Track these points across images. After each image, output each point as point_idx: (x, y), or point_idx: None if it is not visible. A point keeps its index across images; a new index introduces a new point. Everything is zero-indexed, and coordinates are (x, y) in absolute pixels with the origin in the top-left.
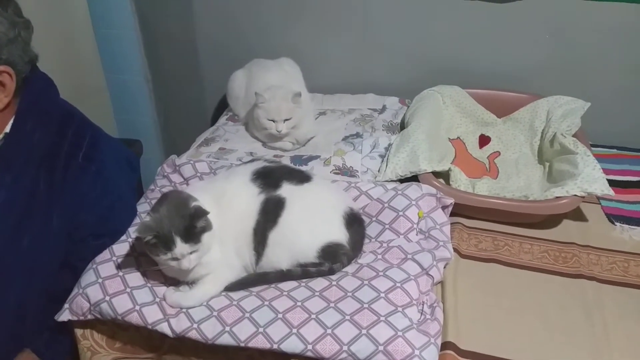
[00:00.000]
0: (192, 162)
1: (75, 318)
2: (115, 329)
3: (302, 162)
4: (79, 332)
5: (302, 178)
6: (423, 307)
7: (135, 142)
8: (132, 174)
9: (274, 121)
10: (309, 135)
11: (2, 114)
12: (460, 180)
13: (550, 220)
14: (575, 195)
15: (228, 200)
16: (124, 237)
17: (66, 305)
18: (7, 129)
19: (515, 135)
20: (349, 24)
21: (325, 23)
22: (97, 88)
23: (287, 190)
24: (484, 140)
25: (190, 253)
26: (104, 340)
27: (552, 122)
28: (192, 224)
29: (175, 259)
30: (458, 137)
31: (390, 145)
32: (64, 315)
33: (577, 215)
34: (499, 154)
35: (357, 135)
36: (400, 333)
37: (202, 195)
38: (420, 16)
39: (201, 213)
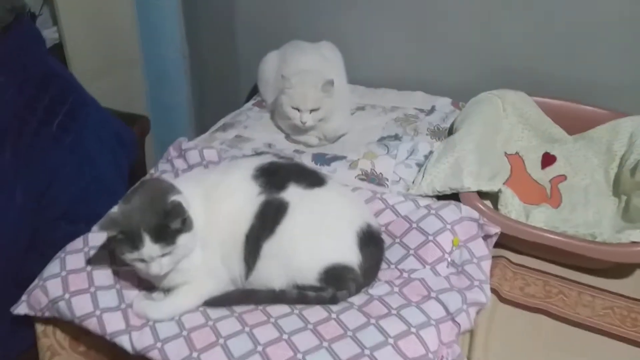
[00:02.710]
0: (199, 148)
1: (32, 313)
2: (79, 330)
3: (325, 162)
4: (39, 327)
5: (315, 181)
6: None
7: (140, 118)
8: (121, 152)
9: (298, 110)
10: (339, 132)
11: None
12: (512, 205)
13: (621, 268)
14: None
15: (220, 197)
16: None
17: (24, 297)
18: None
19: (588, 157)
20: (405, 10)
21: (378, 7)
22: (131, 60)
23: (293, 193)
24: (548, 160)
25: (162, 256)
26: (67, 341)
27: (637, 147)
28: (166, 223)
29: (143, 260)
30: (516, 153)
31: (431, 152)
32: (21, 308)
33: None
34: (565, 178)
35: (396, 137)
36: None
37: (190, 187)
38: (490, 7)
39: (178, 212)
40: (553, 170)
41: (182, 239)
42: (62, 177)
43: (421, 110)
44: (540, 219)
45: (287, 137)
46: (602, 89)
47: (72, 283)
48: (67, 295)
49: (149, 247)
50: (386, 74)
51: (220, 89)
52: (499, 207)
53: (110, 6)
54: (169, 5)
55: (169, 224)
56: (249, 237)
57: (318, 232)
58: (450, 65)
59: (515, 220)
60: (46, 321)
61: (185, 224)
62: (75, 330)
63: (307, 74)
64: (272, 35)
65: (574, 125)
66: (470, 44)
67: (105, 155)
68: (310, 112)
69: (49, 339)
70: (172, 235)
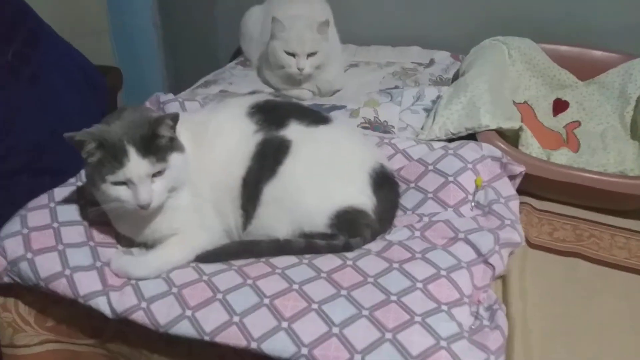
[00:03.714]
0: (180, 99)
1: None
2: (46, 301)
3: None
4: None
5: (318, 119)
6: (478, 309)
7: (112, 70)
8: (90, 92)
9: (294, 56)
10: (334, 86)
11: None
12: (532, 146)
13: None
14: None
15: (211, 137)
16: (72, 180)
17: None
18: None
19: (601, 102)
20: None
21: None
22: (98, 30)
23: (295, 131)
24: (560, 106)
25: (153, 177)
26: (32, 315)
27: None
28: (154, 132)
29: (131, 183)
30: (525, 102)
31: (439, 97)
32: None
33: None
34: (579, 124)
35: (396, 88)
36: (444, 343)
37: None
38: None
39: (167, 118)
40: (566, 117)
41: (174, 159)
42: (21, 118)
43: (419, 64)
44: (562, 162)
45: (277, 92)
46: (610, 33)
47: (35, 241)
48: (29, 255)
49: (136, 163)
50: (378, 31)
51: (197, 57)
52: (520, 147)
53: None
54: None
55: (158, 131)
56: (246, 180)
57: (326, 172)
58: (447, 18)
59: (541, 159)
60: (6, 291)
61: (175, 142)
62: (42, 301)
63: (300, 16)
64: None
65: (584, 70)
66: None
67: (72, 92)
68: (307, 58)
69: (9, 313)
70: (161, 151)
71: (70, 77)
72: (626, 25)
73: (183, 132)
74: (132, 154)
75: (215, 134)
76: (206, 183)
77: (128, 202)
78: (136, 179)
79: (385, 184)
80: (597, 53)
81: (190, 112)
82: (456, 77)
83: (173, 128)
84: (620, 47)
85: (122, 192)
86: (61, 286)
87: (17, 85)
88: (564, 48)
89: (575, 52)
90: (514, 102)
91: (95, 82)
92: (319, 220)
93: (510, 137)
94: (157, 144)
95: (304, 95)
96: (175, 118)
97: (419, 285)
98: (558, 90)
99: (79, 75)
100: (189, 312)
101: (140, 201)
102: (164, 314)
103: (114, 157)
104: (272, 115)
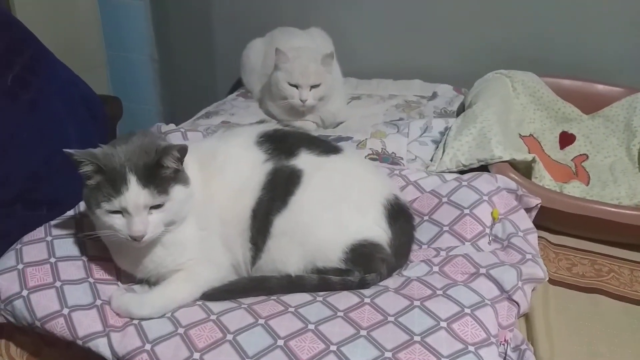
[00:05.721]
0: (182, 130)
1: None
2: (41, 342)
3: None
4: None
5: (329, 149)
6: (506, 350)
7: (112, 100)
8: (91, 122)
9: (297, 87)
10: (338, 118)
11: None
12: (545, 178)
13: None
14: None
15: (220, 166)
16: (70, 212)
17: None
18: None
19: (607, 135)
20: None
21: None
22: (95, 64)
23: (305, 160)
24: (566, 139)
25: (151, 209)
26: (25, 358)
27: None
28: (159, 162)
29: (126, 212)
30: (531, 135)
31: (447, 128)
32: None
33: None
34: (587, 157)
35: (401, 120)
36: None
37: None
38: None
39: (174, 149)
40: (573, 150)
41: (176, 192)
42: (17, 144)
43: (422, 97)
44: (576, 194)
45: (280, 123)
46: (611, 69)
47: (31, 277)
48: (25, 292)
49: (135, 192)
50: (380, 65)
51: (194, 90)
52: (533, 179)
53: (71, 8)
54: (136, 5)
55: (162, 162)
56: (256, 211)
57: (339, 203)
58: (449, 51)
59: (556, 191)
60: None
61: (179, 174)
62: (35, 343)
63: (304, 48)
64: (252, 33)
65: (587, 104)
66: (471, 30)
67: (73, 121)
68: (310, 89)
69: (0, 357)
70: (164, 182)
71: (71, 105)
72: (628, 60)
73: (191, 160)
74: (132, 182)
75: (223, 162)
76: (213, 214)
77: (121, 232)
78: (132, 209)
79: (400, 216)
80: (600, 87)
81: (197, 141)
82: (462, 109)
83: (179, 161)
84: (623, 81)
85: (117, 220)
86: (58, 326)
87: (15, 110)
88: (566, 82)
89: (577, 85)
90: (520, 135)
91: (97, 113)
92: (332, 254)
93: (522, 170)
94: (160, 174)
95: (308, 127)
96: (183, 150)
97: (443, 324)
98: (563, 124)
99: (80, 105)
100: (197, 355)
101: (133, 232)
102: (169, 356)
103: (113, 183)
104: (281, 144)
